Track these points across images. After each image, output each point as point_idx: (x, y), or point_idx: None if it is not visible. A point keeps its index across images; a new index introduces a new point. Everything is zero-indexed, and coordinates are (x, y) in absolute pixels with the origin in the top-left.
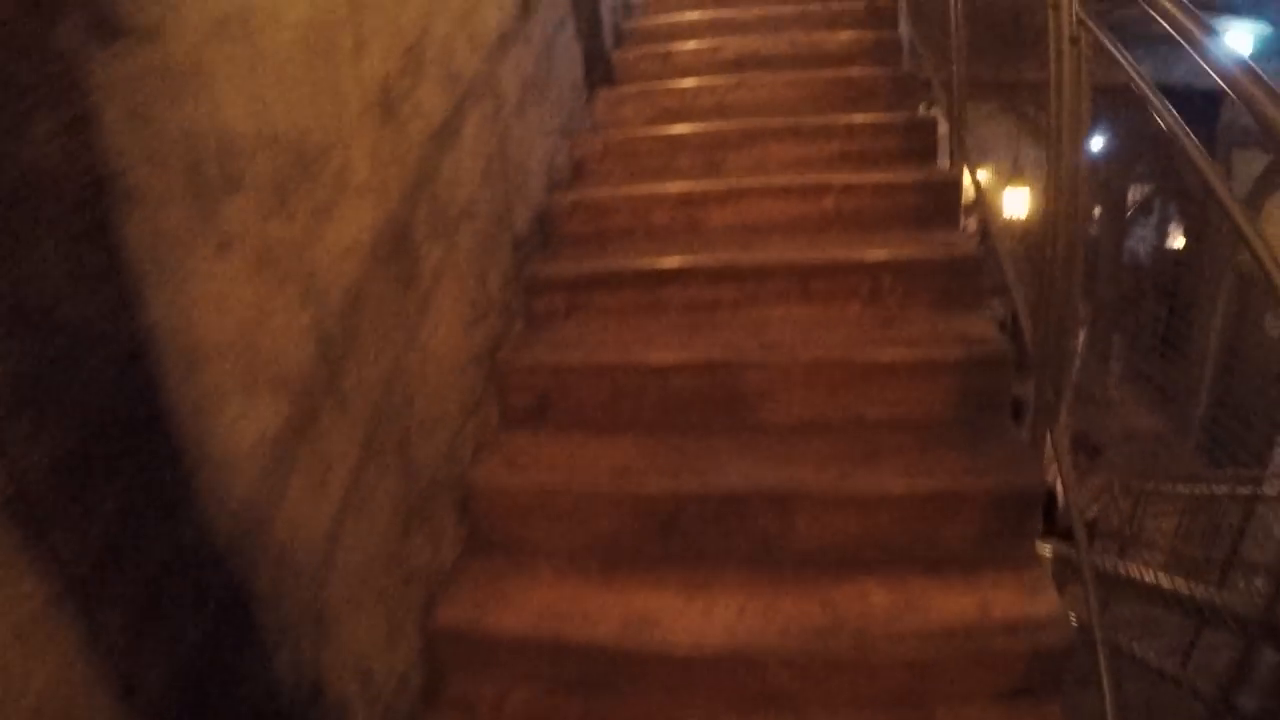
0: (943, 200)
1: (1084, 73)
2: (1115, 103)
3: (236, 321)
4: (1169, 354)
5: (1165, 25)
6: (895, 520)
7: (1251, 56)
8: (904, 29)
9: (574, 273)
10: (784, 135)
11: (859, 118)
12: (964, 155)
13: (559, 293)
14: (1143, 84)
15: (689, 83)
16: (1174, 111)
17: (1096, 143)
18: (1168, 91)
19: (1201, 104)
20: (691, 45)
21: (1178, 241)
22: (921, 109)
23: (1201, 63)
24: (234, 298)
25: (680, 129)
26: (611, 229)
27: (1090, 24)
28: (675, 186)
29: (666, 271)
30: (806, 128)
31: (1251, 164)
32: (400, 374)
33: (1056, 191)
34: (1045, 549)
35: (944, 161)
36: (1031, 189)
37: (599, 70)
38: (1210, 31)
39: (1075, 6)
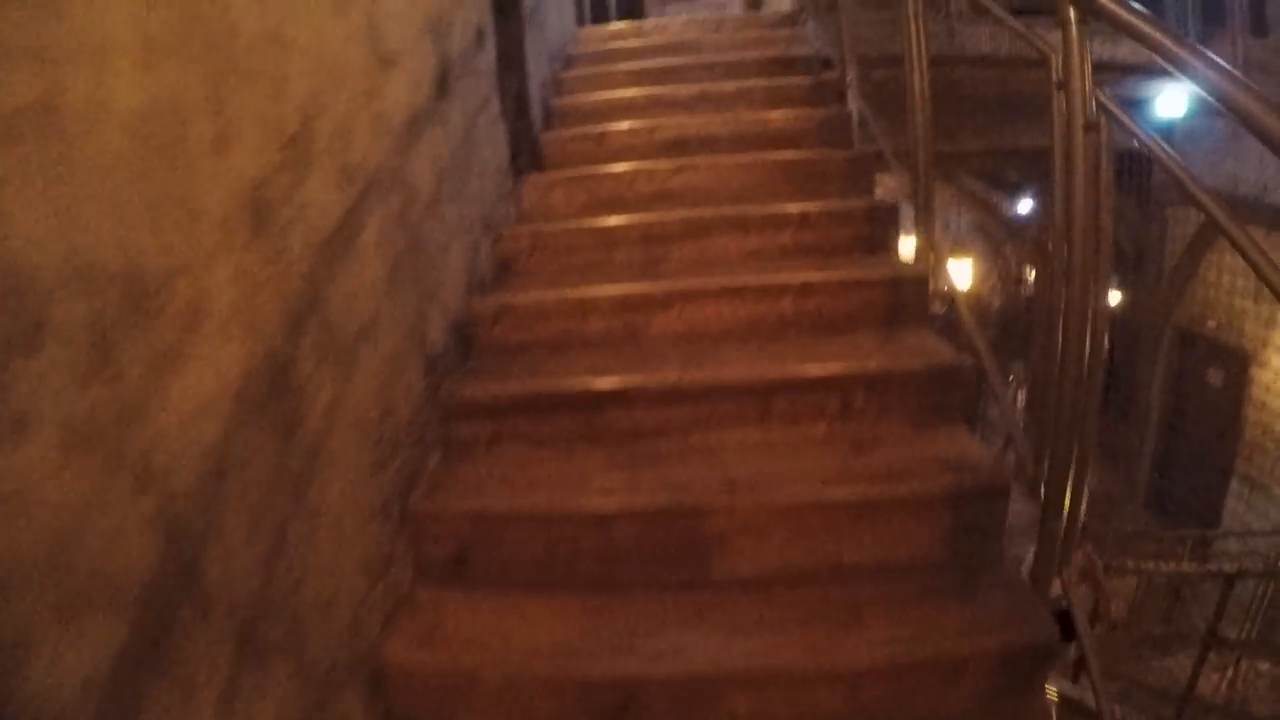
0: (912, 297)
1: (1105, 167)
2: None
3: (44, 529)
4: (1111, 412)
5: (1157, 55)
6: (887, 694)
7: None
8: (853, 105)
9: (499, 394)
10: (731, 226)
11: (813, 206)
12: (933, 245)
13: (482, 419)
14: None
15: (626, 167)
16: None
17: (1025, 205)
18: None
19: (1135, 164)
20: (627, 125)
21: (1112, 299)
22: (879, 193)
23: (1196, 85)
24: (38, 497)
25: (617, 220)
26: (541, 339)
27: (1112, 106)
28: (613, 289)
29: (605, 393)
30: (756, 218)
31: (1185, 224)
32: (285, 550)
33: (1069, 312)
34: (1052, 692)
35: (909, 248)
36: (973, 260)
37: (527, 153)
38: (1202, 55)
39: (1091, 88)
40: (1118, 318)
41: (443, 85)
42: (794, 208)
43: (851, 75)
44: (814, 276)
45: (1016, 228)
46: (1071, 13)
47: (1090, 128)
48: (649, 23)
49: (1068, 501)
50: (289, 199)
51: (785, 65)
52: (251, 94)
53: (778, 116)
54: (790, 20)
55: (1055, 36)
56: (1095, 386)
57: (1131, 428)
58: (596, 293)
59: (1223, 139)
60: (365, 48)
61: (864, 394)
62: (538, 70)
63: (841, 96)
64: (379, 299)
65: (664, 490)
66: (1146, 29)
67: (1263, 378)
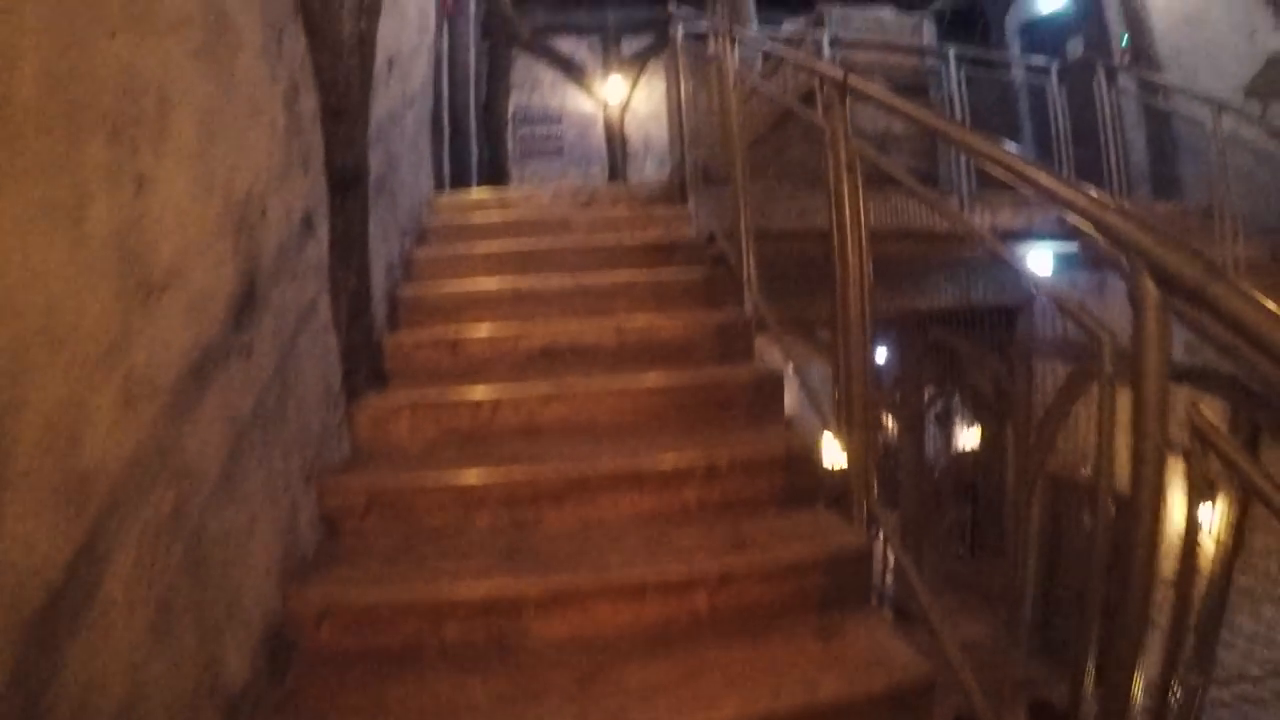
0: (854, 574)
1: None
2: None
3: None
4: (981, 556)
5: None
6: None
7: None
8: (752, 306)
9: None
10: (620, 481)
11: (721, 453)
12: (877, 515)
13: None
14: None
15: (487, 394)
16: None
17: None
18: (971, 309)
19: (1000, 320)
20: (488, 331)
21: (970, 441)
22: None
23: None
24: None
25: (477, 476)
26: (384, 647)
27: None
28: (473, 588)
29: None
30: (650, 472)
31: (1054, 375)
32: None
33: None
34: None
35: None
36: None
37: (365, 366)
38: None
39: None
40: (979, 459)
41: (248, 303)
42: (698, 456)
43: (750, 269)
44: (735, 562)
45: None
46: None
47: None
48: (514, 192)
49: None
50: None
51: (668, 251)
52: None
53: (666, 323)
54: (668, 195)
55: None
56: None
57: (1009, 572)
58: (455, 591)
59: (1087, 291)
60: (111, 281)
61: None
62: (384, 252)
63: (739, 293)
64: (137, 667)
65: None
66: None
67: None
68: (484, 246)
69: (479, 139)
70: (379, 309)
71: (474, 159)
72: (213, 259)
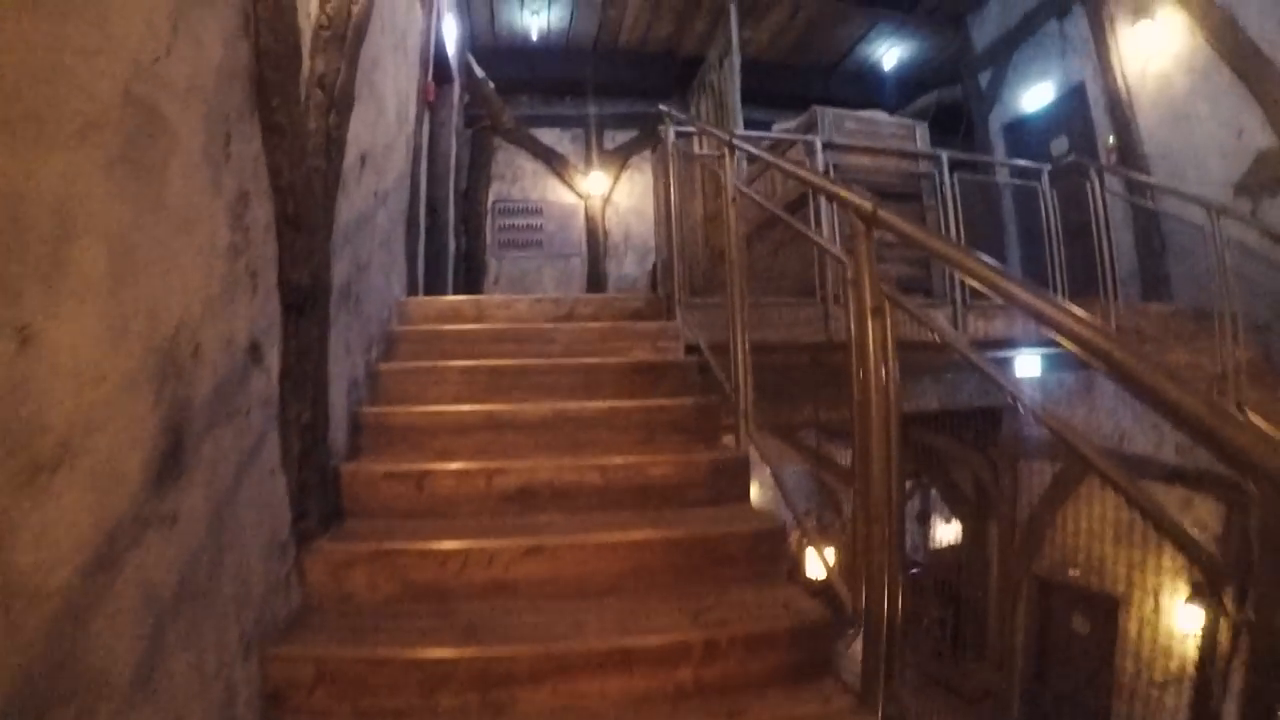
0: None
1: None
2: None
3: None
4: (963, 655)
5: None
6: None
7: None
8: (749, 443)
9: None
10: (608, 659)
11: (721, 630)
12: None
13: None
14: None
15: (455, 544)
16: None
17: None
18: (954, 413)
19: (984, 421)
20: (458, 464)
21: (950, 537)
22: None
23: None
24: None
25: (441, 650)
26: None
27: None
28: None
29: None
30: (641, 649)
31: (1040, 475)
32: None
33: None
34: None
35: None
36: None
37: (318, 503)
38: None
39: None
40: (960, 559)
41: (172, 462)
42: (695, 633)
43: (747, 401)
44: None
45: (846, 472)
46: None
47: None
48: (490, 299)
49: None
50: None
51: (656, 374)
52: None
53: (655, 460)
54: (654, 308)
55: None
56: None
57: (992, 672)
58: None
59: (1074, 391)
60: None
61: None
62: (347, 370)
63: (731, 425)
64: None
65: None
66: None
67: (1133, 621)
68: (457, 363)
69: (456, 230)
70: (338, 434)
71: (450, 253)
72: (126, 418)
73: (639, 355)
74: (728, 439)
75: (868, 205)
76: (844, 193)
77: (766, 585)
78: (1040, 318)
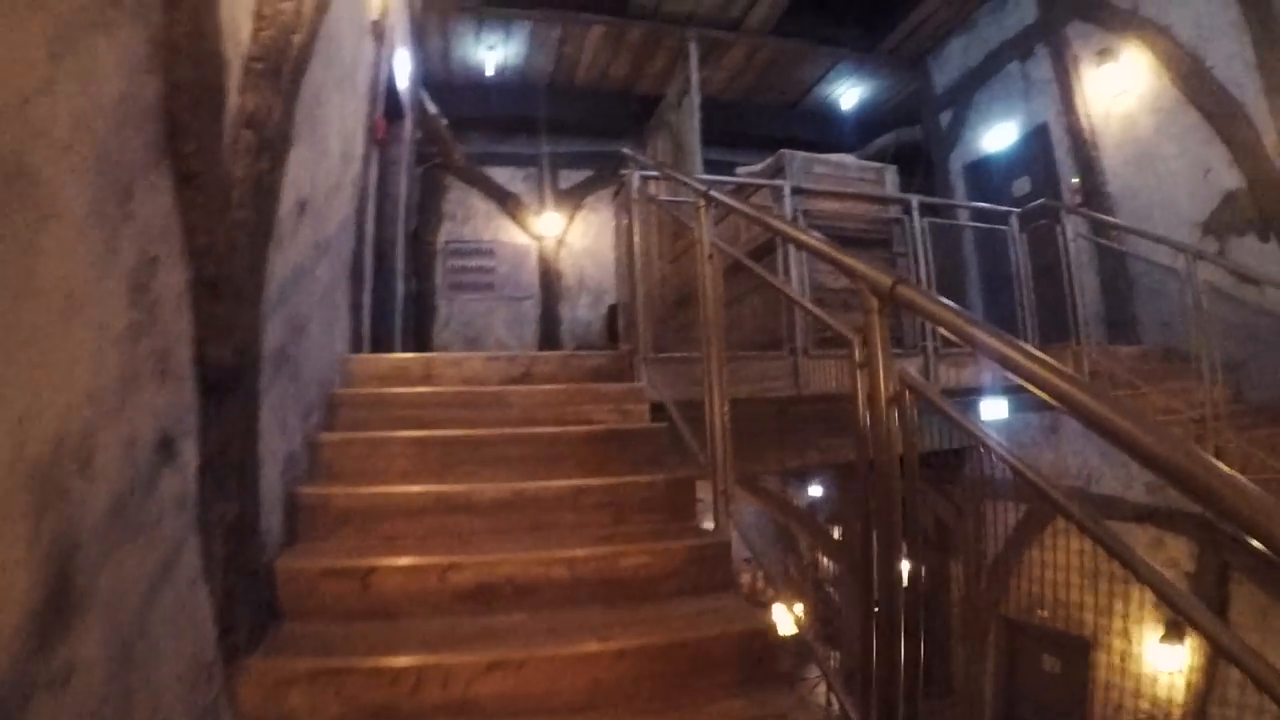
0: None
1: None
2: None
3: None
4: (929, 693)
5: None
6: None
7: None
8: (730, 526)
9: None
10: None
11: None
12: None
13: None
14: None
15: (408, 660)
16: None
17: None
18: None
19: (947, 459)
20: (407, 560)
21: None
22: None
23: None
24: None
25: None
26: None
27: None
28: None
29: None
30: None
31: (1006, 515)
32: None
33: None
34: None
35: None
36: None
37: (250, 610)
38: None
39: None
40: (923, 595)
41: (59, 608)
42: None
43: (730, 482)
44: None
45: (806, 514)
46: None
47: None
48: (441, 357)
49: None
50: None
51: (622, 443)
52: None
53: (627, 550)
54: (617, 364)
55: None
56: None
57: (957, 711)
58: None
59: (1041, 430)
60: None
61: None
62: (283, 445)
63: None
64: None
65: None
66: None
67: (1105, 661)
68: (406, 431)
69: (405, 273)
70: (272, 519)
71: (400, 297)
72: None
73: (603, 421)
74: (704, 520)
75: (886, 281)
76: (859, 268)
77: (758, 693)
78: (1075, 410)
